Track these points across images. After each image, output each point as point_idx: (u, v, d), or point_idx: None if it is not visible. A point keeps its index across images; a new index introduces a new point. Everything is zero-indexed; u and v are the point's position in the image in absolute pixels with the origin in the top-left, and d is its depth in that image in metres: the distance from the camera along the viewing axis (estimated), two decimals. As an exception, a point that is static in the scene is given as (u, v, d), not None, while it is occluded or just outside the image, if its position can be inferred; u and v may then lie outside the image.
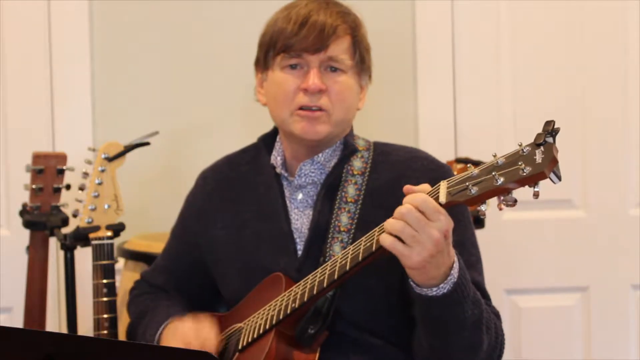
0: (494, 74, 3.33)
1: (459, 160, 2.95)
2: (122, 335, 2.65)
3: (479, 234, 2.33)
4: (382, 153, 2.28)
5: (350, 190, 2.22)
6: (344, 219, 2.19)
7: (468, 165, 1.87)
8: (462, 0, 3.32)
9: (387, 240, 1.88)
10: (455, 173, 2.88)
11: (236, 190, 2.34)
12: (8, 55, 3.32)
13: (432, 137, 3.30)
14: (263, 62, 2.27)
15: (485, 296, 2.17)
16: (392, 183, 2.20)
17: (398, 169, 2.23)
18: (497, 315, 2.15)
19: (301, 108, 2.20)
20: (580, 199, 3.33)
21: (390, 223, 1.88)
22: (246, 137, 2.41)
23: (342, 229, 2.18)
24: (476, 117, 3.33)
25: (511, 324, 3.30)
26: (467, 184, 1.80)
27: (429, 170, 2.22)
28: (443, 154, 2.93)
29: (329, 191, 2.23)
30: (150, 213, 3.28)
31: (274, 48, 2.22)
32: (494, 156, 1.80)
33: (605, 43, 3.32)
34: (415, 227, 1.85)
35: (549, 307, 3.34)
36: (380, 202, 2.18)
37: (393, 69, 3.35)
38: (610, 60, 3.32)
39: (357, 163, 2.25)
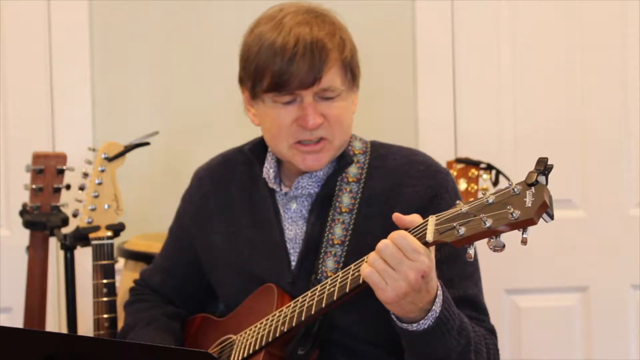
0: (494, 74, 3.33)
1: (459, 160, 2.95)
2: (122, 335, 2.66)
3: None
4: (379, 157, 2.22)
5: (345, 200, 2.17)
6: (337, 231, 2.15)
7: (457, 202, 1.81)
8: (462, 0, 3.32)
9: (365, 270, 1.85)
10: (455, 173, 2.91)
11: (231, 192, 2.31)
12: (8, 55, 3.32)
13: (432, 138, 3.30)
14: (251, 91, 2.17)
15: (480, 310, 2.13)
16: (388, 191, 2.16)
17: (394, 176, 2.17)
18: (491, 331, 2.11)
19: (300, 141, 2.14)
20: (580, 199, 3.33)
21: (370, 255, 1.85)
22: (246, 137, 2.40)
23: (335, 242, 2.14)
24: (476, 117, 3.33)
25: (511, 324, 3.30)
26: (455, 223, 1.75)
27: (425, 176, 2.16)
28: (443, 154, 2.93)
29: (323, 203, 2.18)
30: (150, 213, 3.28)
31: (261, 83, 2.11)
32: (484, 194, 1.76)
33: (606, 42, 3.32)
34: (391, 264, 1.82)
35: (549, 307, 3.34)
36: (375, 211, 2.14)
37: (393, 69, 3.35)
38: (610, 59, 3.32)
39: (352, 170, 2.20)
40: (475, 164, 2.94)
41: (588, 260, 3.33)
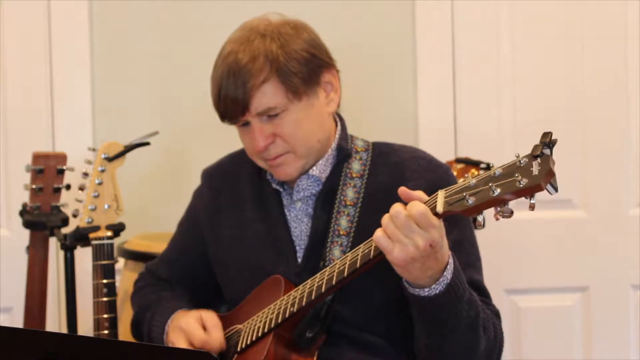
0: (494, 73, 3.33)
1: (459, 160, 2.95)
2: (122, 335, 2.66)
3: (479, 234, 2.33)
4: (381, 154, 2.27)
5: (349, 194, 2.21)
6: (343, 223, 2.19)
7: (466, 176, 1.86)
8: (462, 0, 3.32)
9: (377, 233, 1.90)
10: (455, 173, 2.90)
11: (241, 188, 2.35)
12: (8, 55, 3.32)
13: (432, 137, 3.30)
14: None
15: (485, 294, 2.17)
16: (391, 185, 2.17)
17: (397, 170, 2.22)
18: (496, 314, 2.15)
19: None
20: (580, 199, 3.33)
21: (384, 219, 1.90)
22: (246, 137, 2.41)
23: (341, 233, 2.18)
24: (476, 117, 3.33)
25: (511, 324, 3.30)
26: (464, 194, 1.81)
27: (427, 170, 2.21)
28: (443, 154, 2.92)
29: (328, 197, 2.23)
30: (150, 213, 3.28)
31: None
32: (492, 167, 1.81)
33: (606, 43, 3.32)
34: (401, 229, 1.87)
35: (549, 307, 3.34)
36: (379, 205, 2.14)
37: (393, 69, 3.35)
38: (611, 59, 3.32)
39: (355, 165, 2.24)
40: (475, 164, 2.93)
41: (588, 260, 3.33)
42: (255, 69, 2.14)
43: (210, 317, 2.23)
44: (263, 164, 2.24)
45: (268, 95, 2.15)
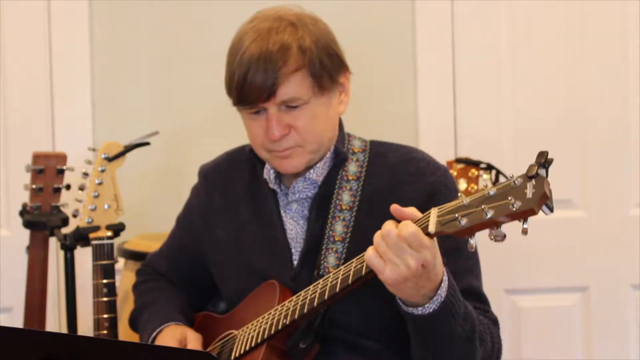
0: (494, 74, 3.33)
1: (459, 160, 2.95)
2: (122, 335, 2.66)
3: (479, 234, 2.32)
4: (378, 155, 2.24)
5: (345, 197, 2.19)
6: (338, 228, 2.17)
7: (459, 195, 1.83)
8: (462, 0, 3.32)
9: (368, 252, 1.88)
10: (455, 173, 2.91)
11: (236, 189, 2.33)
12: (8, 55, 3.32)
13: (432, 137, 3.30)
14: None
15: (483, 301, 2.15)
16: (388, 188, 2.17)
17: (394, 172, 2.19)
18: (494, 321, 2.14)
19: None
20: (580, 199, 3.33)
21: (375, 237, 1.88)
22: (246, 137, 2.41)
23: (336, 239, 2.16)
24: (476, 117, 3.33)
25: (511, 324, 3.31)
26: (456, 214, 1.77)
27: (425, 173, 2.18)
28: (443, 154, 2.93)
29: (323, 201, 2.21)
30: (150, 213, 3.28)
31: (231, 96, 2.17)
32: (485, 186, 1.78)
33: (606, 44, 3.32)
34: (392, 249, 1.84)
35: (549, 307, 3.34)
36: (375, 208, 2.16)
37: (393, 69, 3.35)
38: (611, 59, 3.32)
39: (352, 167, 2.22)
40: (475, 164, 2.94)
41: (588, 260, 3.33)
42: (289, 56, 2.11)
43: (194, 345, 2.22)
44: (267, 155, 2.20)
45: (295, 84, 2.12)
